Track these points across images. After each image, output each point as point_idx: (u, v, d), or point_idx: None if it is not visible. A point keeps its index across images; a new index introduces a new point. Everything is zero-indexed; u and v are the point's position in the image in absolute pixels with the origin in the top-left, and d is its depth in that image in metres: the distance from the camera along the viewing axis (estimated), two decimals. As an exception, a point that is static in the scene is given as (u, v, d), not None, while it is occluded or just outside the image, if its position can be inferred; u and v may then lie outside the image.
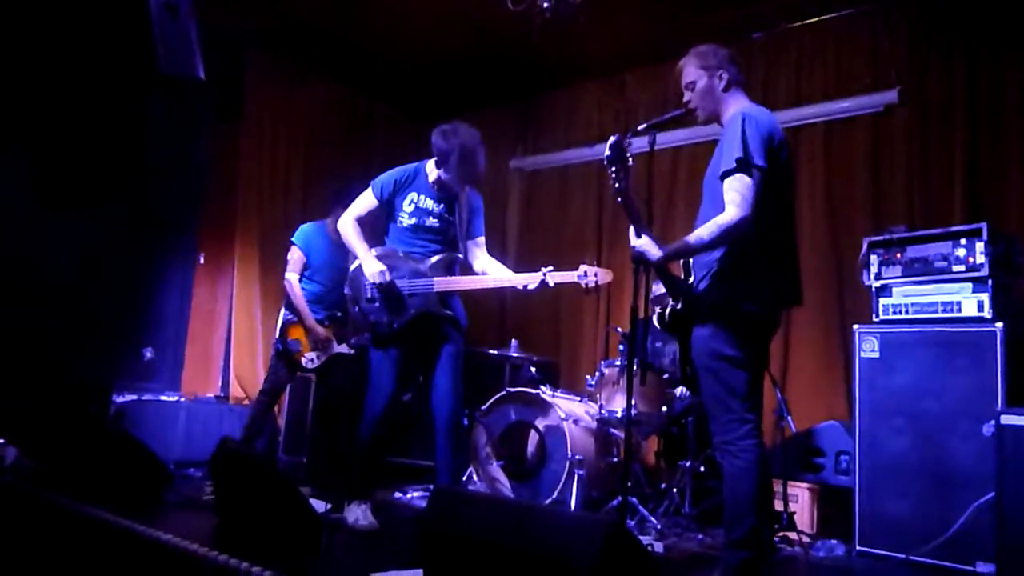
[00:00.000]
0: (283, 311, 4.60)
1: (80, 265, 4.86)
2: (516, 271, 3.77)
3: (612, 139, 2.64)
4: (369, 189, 3.77)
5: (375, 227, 3.84)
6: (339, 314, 4.57)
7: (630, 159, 2.66)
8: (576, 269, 3.43)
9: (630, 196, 2.68)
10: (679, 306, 2.77)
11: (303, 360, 4.47)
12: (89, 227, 4.87)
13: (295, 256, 4.55)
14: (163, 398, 5.15)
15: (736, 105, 2.80)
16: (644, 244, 2.69)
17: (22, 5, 4.52)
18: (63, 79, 4.76)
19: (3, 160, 4.67)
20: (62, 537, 3.27)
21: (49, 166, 4.77)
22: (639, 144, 2.84)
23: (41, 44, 4.66)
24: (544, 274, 3.43)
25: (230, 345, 5.83)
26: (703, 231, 2.61)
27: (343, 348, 4.56)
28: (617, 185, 2.65)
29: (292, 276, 4.52)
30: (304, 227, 4.67)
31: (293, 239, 4.61)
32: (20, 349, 4.57)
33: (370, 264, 3.62)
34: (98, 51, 4.66)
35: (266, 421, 4.54)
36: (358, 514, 3.55)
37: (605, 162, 2.64)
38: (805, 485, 4.14)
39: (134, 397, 4.98)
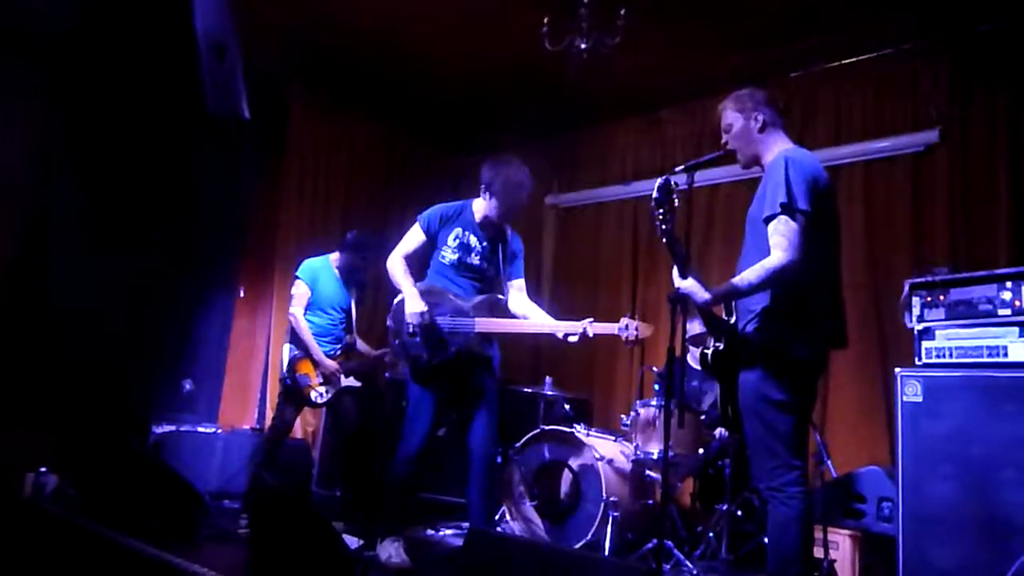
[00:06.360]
0: (288, 347, 4.55)
1: (123, 296, 4.94)
2: (550, 308, 3.79)
3: (660, 181, 2.62)
4: (416, 224, 3.80)
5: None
6: (343, 347, 4.61)
7: (676, 200, 2.65)
8: (617, 321, 3.37)
9: (675, 237, 2.68)
10: (721, 346, 2.75)
11: (312, 395, 4.45)
12: (134, 259, 4.97)
13: (300, 291, 4.55)
14: (200, 429, 5.16)
15: (776, 147, 2.81)
16: (690, 286, 2.67)
17: (85, 53, 4.69)
18: (118, 118, 4.91)
19: (66, 193, 4.80)
20: (98, 566, 3.29)
21: (102, 200, 4.90)
22: (677, 183, 2.83)
23: (99, 87, 4.82)
24: (585, 326, 3.40)
25: (267, 378, 5.85)
26: (750, 274, 2.60)
27: (351, 381, 4.56)
28: (664, 227, 2.63)
29: (297, 310, 4.51)
30: (309, 262, 4.66)
31: (298, 274, 4.61)
32: (63, 378, 4.65)
33: (413, 303, 3.61)
34: (149, 91, 4.80)
35: (274, 458, 4.48)
36: (391, 551, 3.54)
37: (652, 204, 2.62)
38: (846, 532, 4.03)
39: (172, 428, 5.00)
